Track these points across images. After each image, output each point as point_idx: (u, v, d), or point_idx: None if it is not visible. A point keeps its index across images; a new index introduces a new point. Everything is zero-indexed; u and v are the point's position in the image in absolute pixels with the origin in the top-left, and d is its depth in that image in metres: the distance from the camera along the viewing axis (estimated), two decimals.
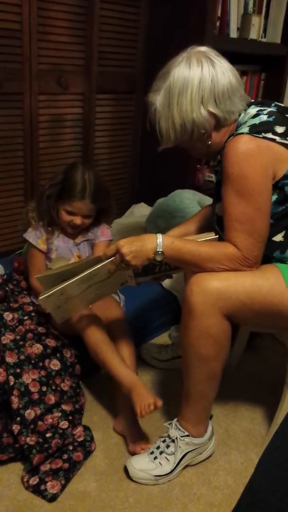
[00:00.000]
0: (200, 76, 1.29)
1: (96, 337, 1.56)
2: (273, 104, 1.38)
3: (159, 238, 1.32)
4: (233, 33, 2.58)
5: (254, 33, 2.63)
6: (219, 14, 2.46)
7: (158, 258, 1.33)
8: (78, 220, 1.74)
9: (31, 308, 1.70)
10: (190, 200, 2.32)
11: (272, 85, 2.97)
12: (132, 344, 1.66)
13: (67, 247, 1.83)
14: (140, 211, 2.63)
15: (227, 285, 1.29)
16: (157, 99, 1.35)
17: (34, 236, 1.80)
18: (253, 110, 1.35)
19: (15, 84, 2.13)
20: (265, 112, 1.32)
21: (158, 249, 1.32)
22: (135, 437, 1.52)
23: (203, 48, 1.34)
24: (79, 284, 1.37)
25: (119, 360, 1.53)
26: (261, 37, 2.76)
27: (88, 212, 1.74)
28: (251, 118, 1.33)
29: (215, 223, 1.44)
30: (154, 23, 2.51)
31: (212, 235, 1.39)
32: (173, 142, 1.39)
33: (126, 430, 1.55)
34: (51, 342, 1.59)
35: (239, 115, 1.37)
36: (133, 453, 1.49)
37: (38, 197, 1.79)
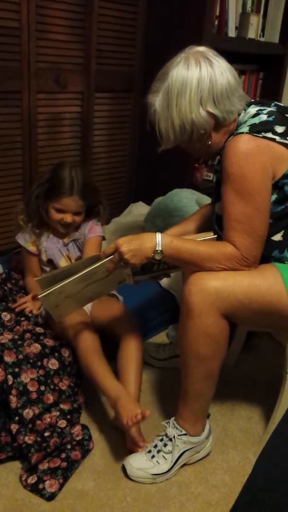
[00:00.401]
0: (199, 77, 1.29)
1: (86, 346, 1.56)
2: (272, 104, 1.38)
3: (158, 237, 1.33)
4: (232, 32, 2.59)
5: (252, 33, 2.64)
6: (217, 13, 2.46)
7: (157, 257, 1.33)
8: (68, 218, 1.73)
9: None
10: (188, 199, 2.32)
11: (270, 85, 2.98)
12: (139, 338, 1.64)
13: (56, 247, 1.83)
14: (138, 210, 2.63)
15: (225, 284, 1.29)
16: (156, 101, 1.35)
17: (23, 239, 1.81)
18: (253, 109, 1.35)
19: (14, 83, 2.13)
20: (265, 111, 1.33)
21: (157, 248, 1.32)
22: (134, 434, 1.52)
23: (201, 48, 1.34)
24: (77, 283, 1.37)
25: (106, 372, 1.51)
26: (259, 37, 2.77)
27: (78, 208, 1.74)
28: (251, 117, 1.33)
29: (214, 222, 1.44)
30: (152, 22, 2.51)
31: (210, 235, 1.40)
32: (173, 143, 1.39)
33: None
34: (49, 342, 1.59)
35: (239, 114, 1.37)
36: (131, 451, 1.49)
37: (27, 198, 1.79)
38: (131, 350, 1.61)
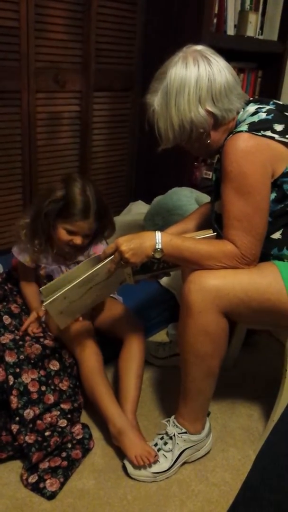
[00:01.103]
0: (197, 76, 1.29)
1: (90, 366, 1.55)
2: (271, 102, 1.38)
3: (158, 235, 1.33)
4: (230, 30, 2.59)
5: (251, 31, 2.63)
6: (216, 11, 2.46)
7: (157, 256, 1.33)
8: (78, 240, 1.63)
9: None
10: (188, 198, 2.32)
11: (269, 83, 2.98)
12: (142, 339, 1.64)
13: (57, 266, 1.75)
14: (138, 208, 2.63)
15: (224, 282, 1.29)
16: (155, 100, 1.35)
17: (22, 254, 1.72)
18: (252, 108, 1.35)
19: (13, 82, 2.13)
20: (264, 110, 1.33)
21: (157, 247, 1.32)
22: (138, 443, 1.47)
23: (199, 47, 1.34)
24: (80, 286, 1.37)
25: (110, 398, 1.51)
26: (258, 35, 2.77)
27: (90, 231, 1.65)
28: (250, 116, 1.33)
29: (213, 221, 1.45)
30: (151, 21, 2.51)
31: (210, 233, 1.40)
32: (172, 142, 1.39)
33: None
34: (49, 343, 1.59)
35: (238, 113, 1.37)
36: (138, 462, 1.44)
37: (34, 214, 1.65)
38: (133, 353, 1.61)
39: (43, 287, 1.43)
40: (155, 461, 1.42)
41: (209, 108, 1.32)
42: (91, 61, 2.37)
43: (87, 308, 1.53)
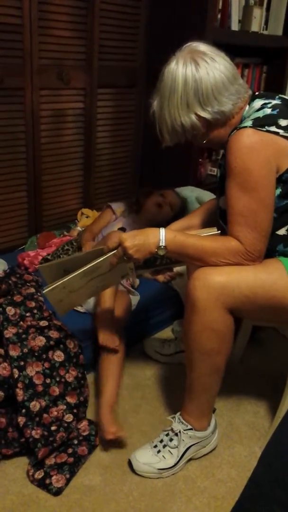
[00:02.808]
0: (184, 80, 1.31)
1: (105, 364, 1.63)
2: (277, 97, 1.37)
3: (162, 232, 1.33)
4: (235, 26, 2.57)
5: (255, 26, 2.62)
6: (220, 6, 2.45)
7: (161, 253, 1.33)
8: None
9: (33, 304, 1.70)
10: (188, 197, 2.33)
11: (274, 78, 2.97)
12: (122, 353, 1.68)
13: (131, 226, 2.07)
14: None
15: (230, 279, 1.29)
16: (155, 101, 1.40)
17: (117, 204, 2.23)
18: (257, 103, 1.35)
19: (16, 80, 2.13)
20: (269, 105, 1.32)
21: (160, 244, 1.32)
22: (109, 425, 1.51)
23: (195, 46, 1.35)
24: (82, 277, 1.38)
25: (109, 381, 1.59)
26: (263, 30, 2.75)
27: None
28: (255, 111, 1.33)
29: (218, 216, 1.44)
30: (155, 17, 2.50)
31: (214, 231, 1.39)
32: (170, 142, 1.43)
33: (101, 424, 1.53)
34: (54, 334, 1.59)
35: (241, 109, 1.36)
36: (106, 437, 1.48)
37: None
38: (112, 358, 1.63)
39: (40, 265, 1.46)
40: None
41: (198, 113, 1.33)
42: (95, 57, 2.36)
43: (87, 298, 1.55)
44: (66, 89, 2.33)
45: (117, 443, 1.51)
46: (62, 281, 1.36)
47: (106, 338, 1.59)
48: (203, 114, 1.33)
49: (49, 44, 2.19)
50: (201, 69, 1.30)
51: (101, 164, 2.64)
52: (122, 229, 2.07)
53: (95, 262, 1.35)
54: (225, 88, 1.32)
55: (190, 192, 2.36)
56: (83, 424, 1.52)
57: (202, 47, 1.34)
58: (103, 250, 1.38)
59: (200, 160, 2.68)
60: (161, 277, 1.98)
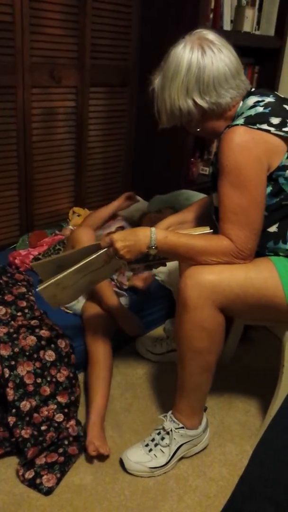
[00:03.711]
0: (189, 65, 1.31)
1: (94, 373, 1.64)
2: (271, 94, 1.37)
3: (153, 233, 1.33)
4: (227, 26, 2.58)
5: (247, 26, 2.63)
6: (212, 6, 2.45)
7: (152, 252, 1.33)
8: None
9: (24, 303, 1.70)
10: (183, 206, 2.33)
11: (266, 78, 2.97)
12: (108, 350, 1.69)
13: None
14: (135, 204, 2.62)
15: (220, 278, 1.29)
16: (156, 80, 1.40)
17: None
18: (250, 100, 1.35)
19: (8, 77, 2.12)
20: (262, 103, 1.32)
21: (151, 244, 1.32)
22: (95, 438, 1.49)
23: (205, 34, 1.35)
24: (75, 274, 1.38)
25: (98, 391, 1.59)
26: (255, 30, 2.76)
27: None
28: (248, 109, 1.33)
29: (212, 213, 1.45)
30: (147, 16, 2.50)
31: (207, 230, 1.40)
32: (166, 123, 1.43)
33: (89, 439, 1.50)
34: (45, 334, 1.59)
35: (237, 103, 1.37)
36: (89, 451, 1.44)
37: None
38: (100, 367, 1.64)
39: (34, 263, 1.45)
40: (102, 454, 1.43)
41: (196, 100, 1.34)
42: (86, 56, 2.36)
43: (81, 294, 1.54)
44: (58, 87, 2.32)
45: (99, 457, 1.47)
46: (55, 279, 1.36)
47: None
48: (200, 102, 1.34)
49: (41, 42, 2.18)
50: (206, 57, 1.31)
51: (93, 163, 2.63)
52: (121, 228, 2.08)
53: (88, 259, 1.35)
54: (226, 80, 1.33)
55: (184, 200, 2.35)
56: (71, 424, 1.51)
57: (211, 35, 1.35)
58: (100, 245, 1.38)
59: (192, 159, 2.68)
60: (140, 284, 1.99)
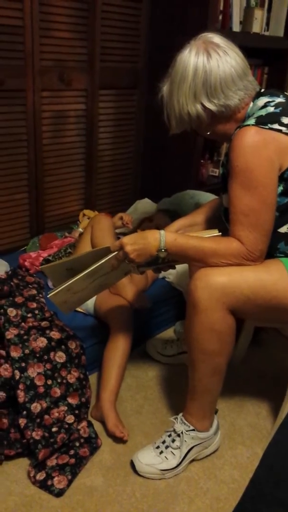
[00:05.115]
0: (195, 69, 1.31)
1: (107, 353, 1.67)
2: (281, 95, 1.37)
3: (162, 236, 1.33)
4: (236, 27, 2.57)
5: (257, 27, 2.62)
6: (221, 7, 2.45)
7: (162, 255, 1.33)
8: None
9: (35, 305, 1.71)
10: (187, 205, 2.34)
11: (275, 79, 2.96)
12: (129, 330, 1.71)
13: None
14: (144, 206, 2.63)
15: (231, 280, 1.29)
16: (164, 86, 1.41)
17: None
18: (261, 101, 1.35)
19: (18, 81, 2.13)
20: (272, 103, 1.32)
21: (161, 247, 1.32)
22: (114, 419, 1.54)
23: (210, 37, 1.35)
24: (85, 279, 1.38)
25: (113, 374, 1.63)
26: (264, 31, 2.75)
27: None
28: (259, 110, 1.33)
29: (222, 214, 1.45)
30: (156, 18, 2.50)
31: (215, 232, 1.39)
32: (176, 129, 1.44)
33: (104, 415, 1.57)
34: (55, 335, 1.59)
35: (247, 105, 1.37)
36: (112, 435, 1.52)
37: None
38: (118, 344, 1.66)
39: (43, 266, 1.47)
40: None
41: (204, 103, 1.34)
42: (96, 59, 2.37)
43: (91, 297, 1.55)
44: (67, 90, 2.33)
45: (119, 439, 1.52)
46: (66, 285, 1.36)
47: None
48: (209, 105, 1.34)
49: (51, 45, 2.19)
50: (212, 61, 1.31)
51: (102, 165, 2.64)
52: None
53: (98, 264, 1.36)
54: (233, 82, 1.33)
55: (190, 199, 2.36)
56: (82, 426, 1.51)
57: (217, 39, 1.35)
58: (109, 249, 1.38)
59: (201, 161, 2.68)
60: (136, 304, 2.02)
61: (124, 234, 2.15)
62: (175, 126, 1.42)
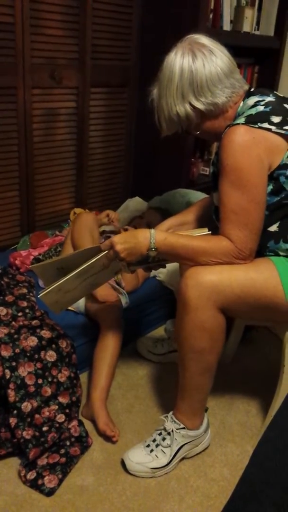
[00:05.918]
0: (181, 71, 1.33)
1: (98, 351, 1.67)
2: (271, 94, 1.38)
3: (152, 235, 1.33)
4: (227, 26, 2.58)
5: (247, 26, 2.63)
6: (212, 6, 2.45)
7: (152, 254, 1.33)
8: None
9: (25, 303, 1.70)
10: (178, 204, 2.34)
11: (266, 78, 2.97)
12: (118, 333, 1.70)
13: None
14: (135, 205, 2.63)
15: (221, 278, 1.29)
16: (154, 90, 1.43)
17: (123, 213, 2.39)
18: (251, 100, 1.36)
19: (8, 78, 2.12)
20: (262, 103, 1.33)
21: (151, 246, 1.32)
22: (104, 418, 1.55)
23: (196, 38, 1.36)
24: (75, 278, 1.38)
25: (103, 371, 1.63)
26: (254, 30, 2.76)
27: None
28: (249, 109, 1.33)
29: (213, 213, 1.45)
30: (147, 16, 2.50)
31: (205, 231, 1.40)
32: (167, 131, 1.45)
33: (95, 414, 1.57)
34: (46, 334, 1.59)
35: (236, 103, 1.37)
36: (103, 433, 1.52)
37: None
38: (108, 342, 1.67)
39: (34, 265, 1.46)
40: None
41: (193, 103, 1.36)
42: (87, 56, 2.36)
43: (82, 296, 1.55)
44: (58, 88, 2.32)
45: (110, 438, 1.52)
46: (56, 284, 1.35)
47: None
48: (197, 104, 1.35)
49: (41, 43, 2.18)
50: (197, 61, 1.32)
51: (93, 163, 2.64)
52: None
53: (89, 263, 1.35)
54: (219, 80, 1.34)
55: (180, 198, 2.36)
56: (73, 425, 1.51)
57: (202, 39, 1.37)
58: (100, 248, 1.38)
59: (192, 160, 2.68)
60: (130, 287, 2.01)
61: (114, 232, 2.15)
62: (166, 128, 1.43)
